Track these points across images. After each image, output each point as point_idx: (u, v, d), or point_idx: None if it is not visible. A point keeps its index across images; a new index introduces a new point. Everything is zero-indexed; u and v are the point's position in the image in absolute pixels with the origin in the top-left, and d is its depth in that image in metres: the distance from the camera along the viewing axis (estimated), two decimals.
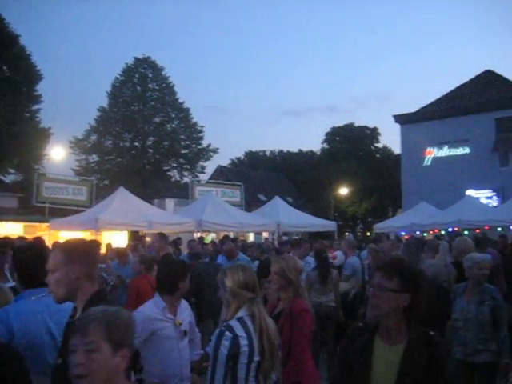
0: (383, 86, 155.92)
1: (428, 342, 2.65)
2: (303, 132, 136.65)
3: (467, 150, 30.46)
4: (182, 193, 29.16)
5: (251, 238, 22.81)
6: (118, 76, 43.91)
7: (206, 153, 46.03)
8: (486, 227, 17.69)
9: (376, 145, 52.07)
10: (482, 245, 11.21)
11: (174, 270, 4.26)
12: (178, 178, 46.40)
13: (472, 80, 34.17)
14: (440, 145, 31.31)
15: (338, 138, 50.39)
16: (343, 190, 42.47)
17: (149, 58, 44.33)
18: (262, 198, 39.04)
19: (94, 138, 43.39)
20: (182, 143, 45.10)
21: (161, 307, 4.10)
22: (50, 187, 20.10)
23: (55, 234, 15.22)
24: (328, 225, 20.71)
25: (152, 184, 39.17)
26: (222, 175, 42.10)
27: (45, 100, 32.49)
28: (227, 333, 3.15)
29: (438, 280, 5.68)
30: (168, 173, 46.52)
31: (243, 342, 3.15)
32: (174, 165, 46.00)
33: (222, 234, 19.59)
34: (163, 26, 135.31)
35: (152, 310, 4.08)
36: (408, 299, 2.64)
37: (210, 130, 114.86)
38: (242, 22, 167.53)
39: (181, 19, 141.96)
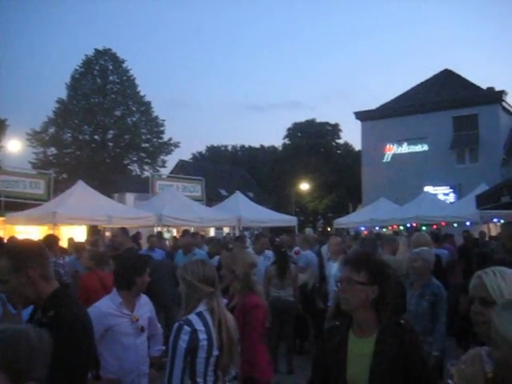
0: (345, 82, 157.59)
1: (398, 331, 2.69)
2: (265, 127, 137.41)
3: (426, 148, 31.06)
4: (143, 187, 28.82)
5: (212, 232, 22.78)
6: (78, 68, 43.17)
7: (167, 147, 45.70)
8: (443, 223, 18.09)
9: (337, 141, 52.46)
10: (439, 240, 11.49)
11: (131, 265, 4.20)
12: (139, 172, 45.94)
13: (431, 79, 34.84)
14: (399, 142, 31.83)
15: (299, 134, 50.55)
16: (304, 186, 42.73)
17: (109, 50, 43.66)
18: (224, 192, 39.00)
19: (52, 130, 42.54)
20: (143, 137, 44.66)
21: (117, 303, 4.02)
22: (6, 180, 19.58)
23: (11, 229, 14.87)
24: (288, 220, 20.81)
25: (112, 178, 38.66)
26: (183, 170, 41.86)
27: (1, 91, 31.72)
28: (186, 327, 3.13)
29: (396, 274, 5.79)
30: (128, 167, 46.03)
31: (202, 336, 3.14)
32: (135, 159, 45.53)
33: (181, 229, 19.56)
34: (125, 19, 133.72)
35: (107, 305, 4.01)
36: (376, 291, 2.67)
37: (172, 124, 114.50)
38: (206, 17, 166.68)
39: (143, 12, 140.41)
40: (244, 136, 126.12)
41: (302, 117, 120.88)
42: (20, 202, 19.45)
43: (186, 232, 11.46)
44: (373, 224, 19.54)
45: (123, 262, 4.36)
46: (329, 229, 33.43)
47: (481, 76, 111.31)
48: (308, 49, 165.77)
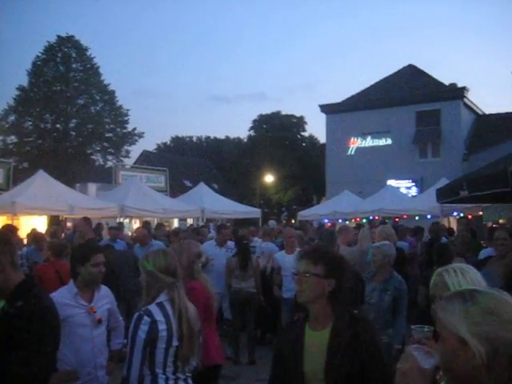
0: (311, 75, 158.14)
1: (351, 321, 2.71)
2: (231, 118, 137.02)
3: (389, 141, 31.41)
4: (106, 177, 28.49)
5: (175, 223, 22.67)
6: (40, 54, 42.19)
7: (131, 137, 45.10)
8: (405, 216, 18.35)
9: (302, 133, 52.67)
10: (400, 233, 11.66)
11: (73, 255, 4.17)
12: (102, 162, 45.30)
13: (395, 74, 35.16)
14: (363, 135, 32.10)
15: (264, 126, 50.57)
16: (269, 178, 42.81)
17: (72, 37, 42.74)
18: (188, 183, 38.80)
19: (12, 118, 41.50)
20: (107, 126, 43.94)
21: (73, 293, 3.97)
22: None
23: None
24: (252, 212, 20.86)
25: (74, 168, 38.02)
26: (147, 160, 41.51)
27: None
28: (145, 317, 3.13)
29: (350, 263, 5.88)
30: (91, 156, 45.25)
31: (161, 326, 3.13)
32: (98, 148, 44.79)
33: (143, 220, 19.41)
34: (89, 6, 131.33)
35: (63, 295, 3.94)
36: (333, 284, 2.69)
37: (136, 114, 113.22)
38: (172, 7, 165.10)
39: (107, 0, 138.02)
40: (209, 127, 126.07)
41: (267, 109, 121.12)
42: None
43: (146, 223, 11.38)
44: (336, 216, 19.69)
45: (71, 253, 4.31)
46: (293, 221, 33.61)
47: (444, 72, 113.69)
48: (274, 40, 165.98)
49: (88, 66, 43.24)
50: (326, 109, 34.06)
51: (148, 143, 77.85)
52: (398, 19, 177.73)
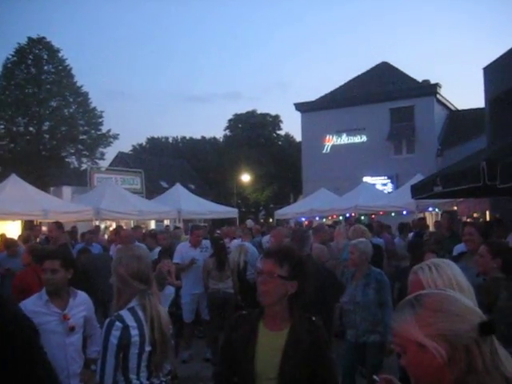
0: (285, 74, 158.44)
1: (310, 327, 2.70)
2: (206, 118, 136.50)
3: (364, 139, 31.63)
4: (81, 180, 28.21)
5: (152, 225, 22.54)
6: (10, 56, 41.57)
7: (106, 139, 44.68)
8: (381, 212, 18.48)
9: (278, 132, 52.80)
10: (376, 230, 11.75)
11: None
12: (77, 165, 44.79)
13: (369, 71, 35.45)
14: (338, 133, 32.27)
15: (240, 125, 50.58)
16: (246, 177, 42.80)
17: (44, 38, 42.18)
18: (164, 185, 38.57)
19: None
20: (81, 128, 43.47)
21: (44, 300, 3.90)
22: None
23: None
24: (229, 211, 20.83)
25: (48, 171, 37.54)
26: (123, 162, 41.19)
27: None
28: (117, 323, 3.07)
29: (320, 261, 5.92)
30: (66, 159, 44.72)
31: (134, 331, 3.08)
32: (72, 151, 44.28)
33: (122, 223, 19.26)
34: (59, 7, 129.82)
35: (34, 303, 3.88)
36: (295, 286, 2.67)
37: (111, 116, 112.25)
38: (145, 6, 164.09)
39: (78, 1, 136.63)
40: (185, 127, 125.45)
41: (242, 108, 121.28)
42: None
43: (120, 227, 11.29)
44: (313, 214, 19.73)
45: None
46: (270, 220, 33.66)
47: (416, 69, 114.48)
48: (248, 39, 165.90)
49: (60, 67, 42.71)
50: (301, 107, 34.15)
51: (123, 145, 77.48)
52: (372, 17, 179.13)
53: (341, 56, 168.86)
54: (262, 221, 38.64)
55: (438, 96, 30.64)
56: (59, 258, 4.05)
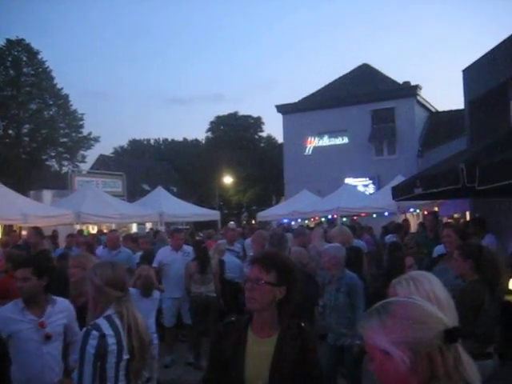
0: (268, 76, 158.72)
1: (299, 333, 2.69)
2: (189, 120, 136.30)
3: (346, 140, 31.76)
4: (62, 184, 27.94)
5: (134, 228, 22.40)
6: None
7: (87, 141, 44.38)
8: (363, 214, 18.56)
9: (260, 134, 52.88)
10: (357, 232, 11.79)
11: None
12: (57, 168, 44.43)
13: (350, 73, 35.65)
14: (320, 134, 32.38)
15: (222, 127, 50.55)
16: (228, 179, 42.78)
17: (23, 40, 41.76)
18: (146, 187, 38.44)
19: None
20: (61, 131, 43.12)
21: (19, 307, 3.84)
22: None
23: None
24: (211, 214, 20.78)
25: (28, 174, 37.18)
26: (104, 165, 40.96)
27: None
28: (94, 332, 3.02)
29: (300, 264, 5.93)
30: (46, 162, 44.33)
31: (111, 340, 3.04)
32: (53, 154, 43.91)
33: (103, 226, 19.12)
34: (39, 8, 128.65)
35: (10, 309, 3.82)
36: (284, 292, 2.66)
37: (92, 118, 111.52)
38: (125, 8, 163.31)
39: (58, 2, 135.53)
40: (167, 129, 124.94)
41: (224, 110, 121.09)
42: None
43: (100, 231, 11.23)
44: (295, 216, 19.77)
45: None
46: (253, 221, 33.66)
47: (397, 71, 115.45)
48: (231, 41, 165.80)
49: (40, 69, 42.31)
50: (283, 109, 34.21)
51: (105, 147, 76.92)
52: (353, 19, 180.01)
53: (323, 58, 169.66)
54: (244, 222, 38.64)
55: (418, 98, 30.89)
56: (31, 265, 3.98)
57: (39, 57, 42.40)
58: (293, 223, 20.53)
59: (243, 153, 45.78)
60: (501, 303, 4.33)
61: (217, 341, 2.84)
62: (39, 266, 4.02)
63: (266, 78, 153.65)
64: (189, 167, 48.49)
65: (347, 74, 35.68)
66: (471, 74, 12.01)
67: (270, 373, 2.59)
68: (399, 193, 9.17)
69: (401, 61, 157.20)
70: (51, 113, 42.87)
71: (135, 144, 65.80)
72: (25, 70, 42.04)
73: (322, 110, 31.86)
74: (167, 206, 18.11)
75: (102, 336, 3.03)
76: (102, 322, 3.10)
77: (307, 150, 32.75)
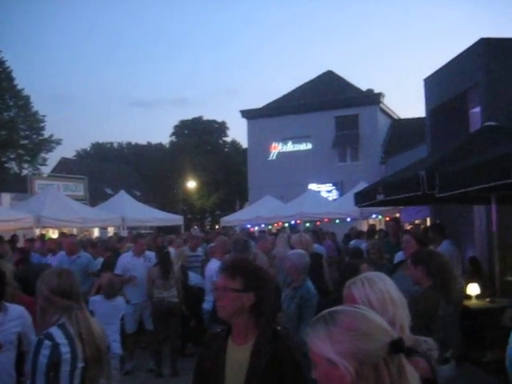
0: (232, 80, 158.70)
1: (273, 338, 2.67)
2: (152, 124, 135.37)
3: (310, 146, 31.98)
4: (21, 187, 27.41)
5: (96, 233, 22.12)
6: None
7: (48, 144, 43.62)
8: (326, 219, 18.70)
9: (224, 139, 52.92)
10: (320, 238, 11.87)
11: None
12: (17, 171, 43.54)
13: (315, 79, 35.96)
14: (284, 140, 32.53)
15: (186, 132, 50.40)
16: (192, 184, 42.63)
17: None
18: (109, 191, 37.99)
19: None
20: (22, 133, 42.31)
21: None
22: None
23: None
24: (175, 219, 20.67)
25: None
26: (66, 168, 40.40)
27: None
28: (46, 341, 2.95)
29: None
30: (6, 165, 43.42)
31: (64, 349, 2.97)
32: (13, 156, 43.01)
33: (65, 230, 18.79)
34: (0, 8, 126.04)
35: None
36: (252, 298, 2.64)
37: (54, 120, 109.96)
38: (90, 10, 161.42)
39: (21, 2, 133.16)
40: (130, 133, 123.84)
41: (189, 114, 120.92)
42: None
43: (62, 234, 11.07)
44: (258, 221, 19.80)
45: None
46: (217, 226, 33.61)
47: (361, 78, 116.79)
48: (195, 45, 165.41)
49: None
50: (247, 114, 34.30)
51: (67, 150, 75.65)
52: (318, 26, 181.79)
53: (288, 64, 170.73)
54: (208, 227, 38.55)
55: (381, 105, 31.34)
56: None
57: None
58: (256, 228, 20.56)
59: (207, 157, 45.70)
60: (458, 308, 4.39)
61: (202, 352, 2.83)
62: None
63: (231, 83, 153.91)
64: (152, 171, 48.17)
65: (312, 80, 35.98)
66: (432, 83, 12.21)
67: (245, 379, 2.58)
68: (362, 199, 9.27)
69: (364, 69, 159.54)
70: (11, 114, 42.04)
71: (98, 147, 65.08)
72: None
73: (286, 115, 32.03)
74: (130, 211, 17.93)
75: (55, 345, 2.96)
76: (54, 331, 3.03)
77: (271, 156, 32.87)
